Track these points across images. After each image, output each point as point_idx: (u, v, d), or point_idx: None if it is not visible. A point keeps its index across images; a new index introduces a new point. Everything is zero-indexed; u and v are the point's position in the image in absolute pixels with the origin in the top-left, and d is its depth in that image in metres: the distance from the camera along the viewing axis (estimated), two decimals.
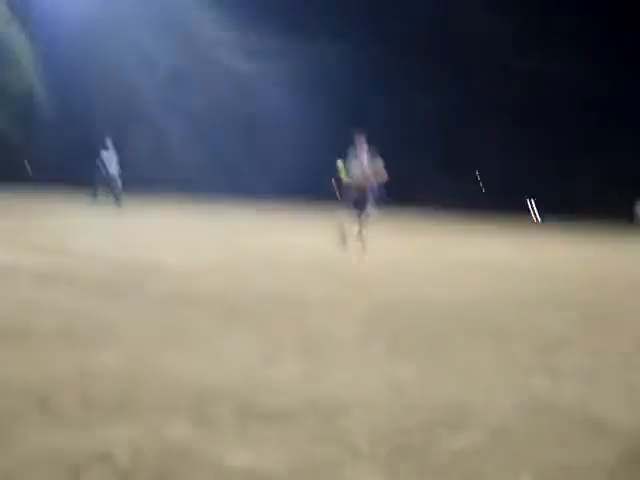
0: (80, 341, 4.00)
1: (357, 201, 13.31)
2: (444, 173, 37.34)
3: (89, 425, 2.68)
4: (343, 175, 12.78)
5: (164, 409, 2.93)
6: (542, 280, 8.84)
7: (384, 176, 12.82)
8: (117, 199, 21.36)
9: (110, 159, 21.71)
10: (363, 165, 12.86)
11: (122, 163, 21.90)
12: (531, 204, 38.53)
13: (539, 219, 35.57)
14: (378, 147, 13.24)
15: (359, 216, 13.31)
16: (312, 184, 30.67)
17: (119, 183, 21.75)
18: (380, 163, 13.07)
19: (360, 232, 13.09)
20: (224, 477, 2.25)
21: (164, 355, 3.84)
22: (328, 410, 3.04)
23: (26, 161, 35.24)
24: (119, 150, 22.17)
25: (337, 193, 13.53)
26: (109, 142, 21.95)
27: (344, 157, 12.92)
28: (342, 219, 13.21)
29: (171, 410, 2.92)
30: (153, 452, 2.43)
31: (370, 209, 13.90)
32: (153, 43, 35.90)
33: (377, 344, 4.50)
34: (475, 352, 4.43)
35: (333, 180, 13.26)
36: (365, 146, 13.05)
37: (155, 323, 4.74)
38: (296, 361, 3.92)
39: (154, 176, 29.29)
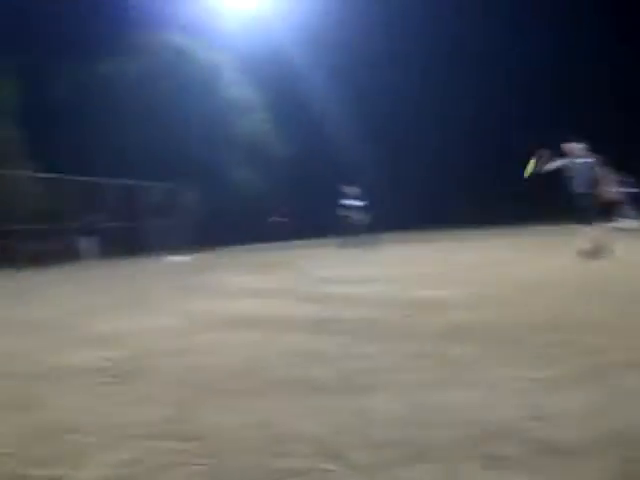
0: (355, 387, 4.07)
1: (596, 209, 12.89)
2: None
3: (380, 471, 2.69)
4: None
5: (450, 448, 2.88)
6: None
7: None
8: (361, 241, 22.10)
9: (352, 204, 22.55)
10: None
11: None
12: None
13: None
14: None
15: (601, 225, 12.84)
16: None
17: (362, 226, 22.52)
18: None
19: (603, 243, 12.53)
20: None
21: (441, 393, 3.80)
22: (625, 443, 2.81)
23: (274, 218, 37.44)
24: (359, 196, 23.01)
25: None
26: (349, 189, 22.81)
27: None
28: (590, 232, 12.66)
29: (459, 449, 2.86)
30: None
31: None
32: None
33: None
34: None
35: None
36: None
37: (427, 361, 4.72)
38: (578, 389, 3.71)
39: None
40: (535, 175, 13.27)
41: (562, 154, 13.21)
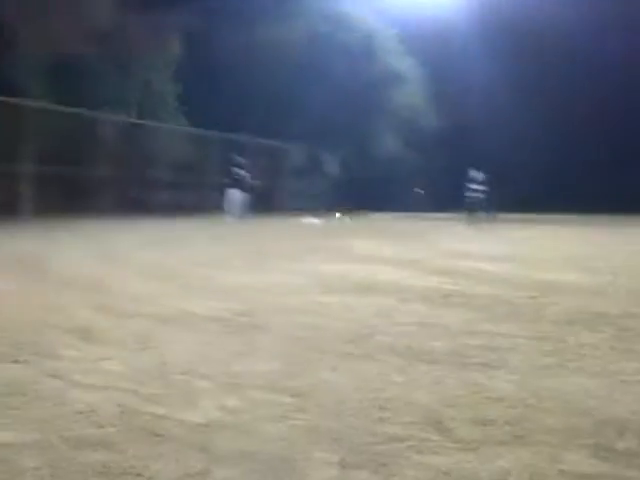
0: (470, 364, 3.96)
1: None
2: None
3: (483, 448, 2.61)
4: None
5: (561, 436, 2.75)
6: None
7: None
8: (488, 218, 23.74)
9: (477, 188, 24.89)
10: None
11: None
12: None
13: None
14: None
15: None
16: None
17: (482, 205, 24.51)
18: None
19: None
20: None
21: (557, 380, 3.63)
22: None
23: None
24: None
25: None
26: (475, 174, 25.13)
27: None
28: None
29: (569, 438, 2.72)
30: None
31: None
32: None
33: None
34: None
35: None
36: None
37: (549, 345, 4.53)
38: None
39: None
40: None
41: None
